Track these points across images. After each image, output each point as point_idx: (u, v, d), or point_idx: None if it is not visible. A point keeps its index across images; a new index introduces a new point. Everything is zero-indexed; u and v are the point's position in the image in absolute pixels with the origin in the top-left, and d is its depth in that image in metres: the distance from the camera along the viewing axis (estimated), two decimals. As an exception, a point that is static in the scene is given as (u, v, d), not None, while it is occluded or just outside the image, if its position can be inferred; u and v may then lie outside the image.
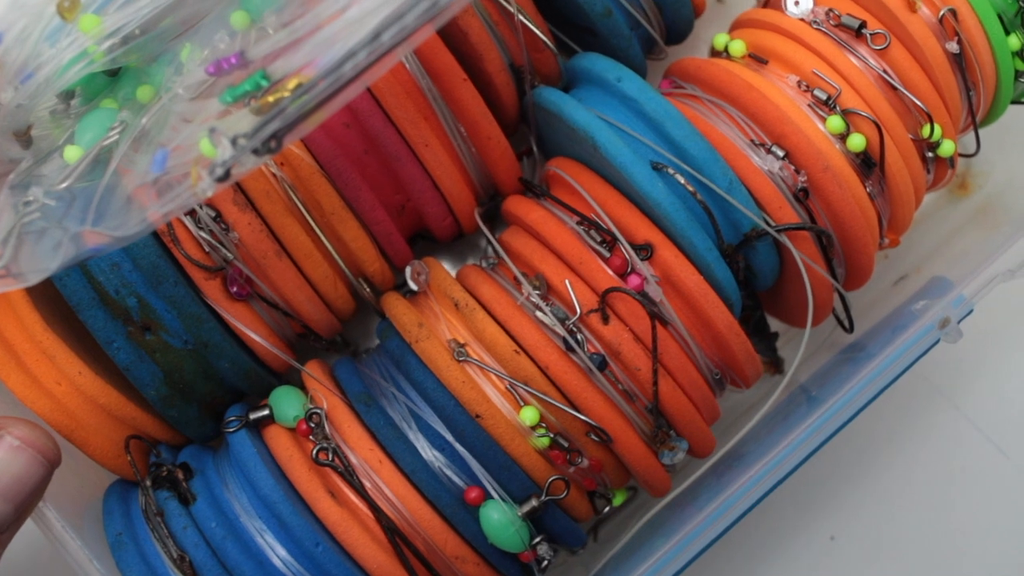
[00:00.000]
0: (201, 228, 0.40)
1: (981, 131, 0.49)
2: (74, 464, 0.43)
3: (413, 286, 0.44)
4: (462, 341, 0.42)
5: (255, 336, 0.42)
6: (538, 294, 0.42)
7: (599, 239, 0.42)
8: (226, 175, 0.30)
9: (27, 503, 0.37)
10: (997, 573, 0.55)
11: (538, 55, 0.46)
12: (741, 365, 0.43)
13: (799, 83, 0.44)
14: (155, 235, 0.40)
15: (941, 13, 0.44)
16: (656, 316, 0.41)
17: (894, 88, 0.44)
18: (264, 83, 0.30)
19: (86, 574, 0.39)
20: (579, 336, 0.41)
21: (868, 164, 0.44)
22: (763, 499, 0.42)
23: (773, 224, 0.43)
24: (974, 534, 0.55)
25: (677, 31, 0.50)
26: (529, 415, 0.41)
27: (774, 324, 0.53)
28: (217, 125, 0.30)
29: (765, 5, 0.48)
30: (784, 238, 0.43)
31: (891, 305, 0.50)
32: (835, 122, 0.43)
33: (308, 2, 0.32)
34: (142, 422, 0.42)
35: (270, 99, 0.29)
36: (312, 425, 0.41)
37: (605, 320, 0.41)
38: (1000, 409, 0.57)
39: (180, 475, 0.41)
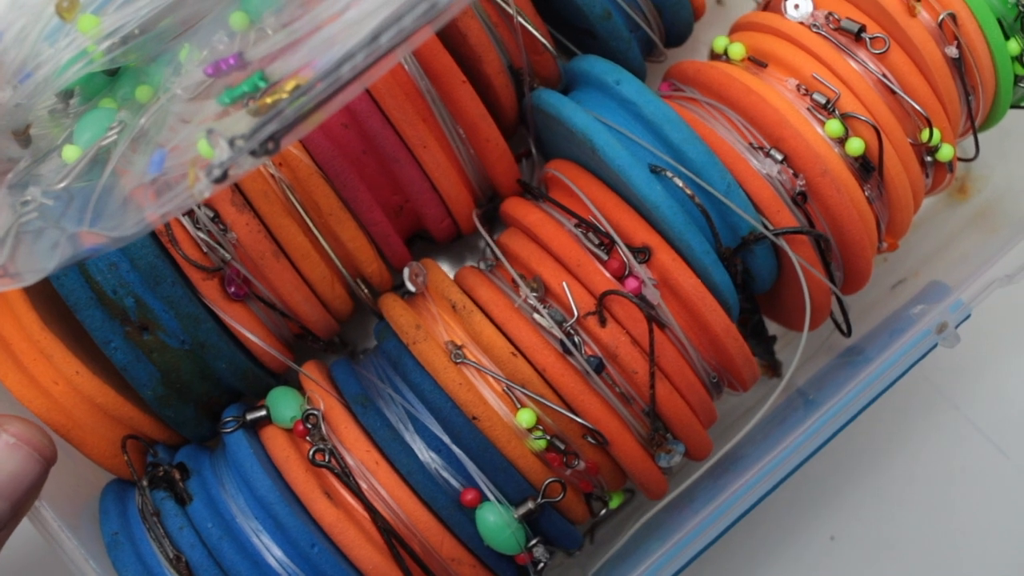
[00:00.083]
0: (199, 228, 0.40)
1: (980, 135, 0.49)
2: (71, 463, 0.43)
3: (411, 287, 0.44)
4: (459, 343, 0.42)
5: (252, 336, 0.42)
6: (536, 296, 0.42)
7: (597, 242, 0.42)
8: (223, 176, 0.30)
9: (24, 501, 0.37)
10: (997, 573, 0.55)
11: (537, 57, 0.46)
12: (738, 368, 0.43)
13: (798, 87, 0.44)
14: (153, 235, 0.40)
15: (941, 17, 0.44)
16: (653, 319, 0.41)
17: (893, 92, 0.44)
18: (262, 84, 0.30)
19: (82, 574, 0.39)
20: (576, 338, 0.41)
21: (867, 168, 0.44)
22: (759, 502, 0.42)
23: (771, 228, 0.43)
24: (974, 534, 0.55)
25: (676, 34, 0.50)
26: (526, 417, 0.41)
27: (772, 327, 0.53)
28: (215, 126, 0.30)
29: (765, 8, 0.48)
30: (782, 242, 0.43)
31: (889, 309, 0.50)
32: (834, 126, 0.43)
33: (307, 3, 0.32)
34: (139, 422, 0.42)
35: (268, 100, 0.29)
36: (309, 426, 0.41)
37: (602, 323, 0.41)
38: (1000, 409, 0.57)
39: (177, 475, 0.41)
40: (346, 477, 0.40)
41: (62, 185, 0.35)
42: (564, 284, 0.41)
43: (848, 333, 0.49)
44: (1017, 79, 0.47)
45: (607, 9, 0.45)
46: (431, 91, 0.42)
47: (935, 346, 0.43)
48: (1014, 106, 0.49)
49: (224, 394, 0.43)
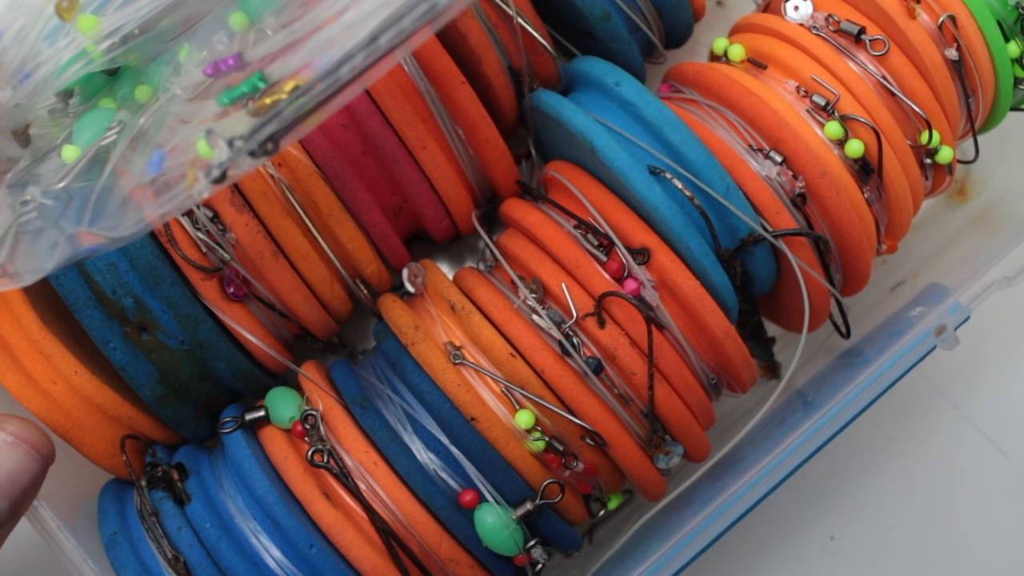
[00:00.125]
0: (198, 229, 0.40)
1: (980, 137, 0.49)
2: (69, 463, 0.43)
3: (410, 288, 0.44)
4: (458, 344, 0.42)
5: (251, 337, 0.42)
6: (534, 297, 0.42)
7: (596, 243, 0.42)
8: (222, 177, 0.30)
9: (22, 499, 0.37)
10: (997, 573, 0.55)
11: (537, 58, 0.46)
12: (737, 370, 0.43)
13: (798, 88, 0.44)
14: (152, 235, 0.40)
15: (940, 20, 0.44)
16: (652, 320, 0.41)
17: (893, 94, 0.44)
18: (261, 85, 0.30)
19: (81, 573, 0.39)
20: (575, 340, 0.41)
21: (866, 170, 0.44)
22: (758, 504, 0.42)
23: (770, 229, 0.43)
24: (974, 534, 0.55)
25: (676, 35, 0.50)
26: (524, 418, 0.41)
27: (771, 329, 0.53)
28: (214, 126, 0.30)
29: (765, 10, 0.48)
30: (781, 244, 0.43)
31: (888, 311, 0.50)
32: (833, 128, 0.43)
33: (307, 4, 0.32)
34: (138, 422, 0.42)
35: (267, 101, 0.29)
36: (307, 426, 0.41)
37: (601, 324, 0.41)
38: (1000, 409, 0.57)
39: (175, 475, 0.41)
40: (344, 478, 0.40)
41: (61, 185, 0.35)
42: (563, 285, 0.41)
43: (847, 335, 0.49)
44: (1017, 81, 0.47)
45: (607, 10, 0.45)
46: (430, 92, 0.42)
47: (934, 348, 0.43)
48: (1014, 108, 0.49)
49: (223, 394, 0.43)
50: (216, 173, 0.29)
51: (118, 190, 0.33)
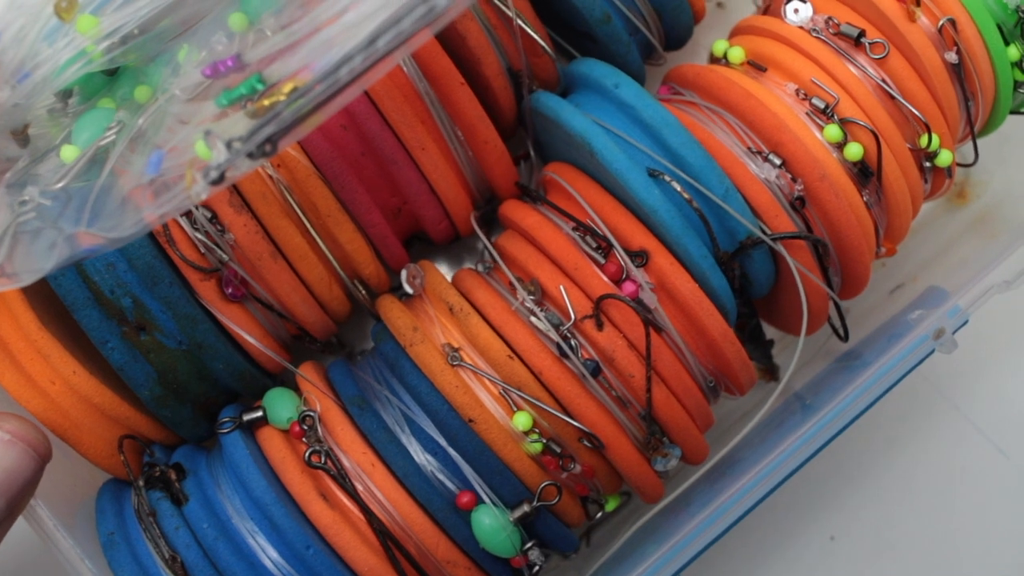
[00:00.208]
0: (197, 229, 0.40)
1: (980, 140, 0.49)
2: (67, 463, 0.43)
3: (408, 289, 0.43)
4: (456, 345, 0.42)
5: (249, 338, 0.42)
6: (533, 299, 0.42)
7: (594, 245, 0.42)
8: (220, 178, 0.30)
9: (19, 498, 0.37)
10: (997, 573, 0.55)
11: (536, 60, 0.46)
12: (735, 373, 0.43)
13: (797, 91, 0.44)
14: (151, 236, 0.40)
15: (940, 23, 0.44)
16: (650, 323, 0.41)
17: (892, 97, 0.44)
18: (260, 86, 0.30)
19: (78, 573, 0.39)
20: (573, 342, 0.41)
21: (865, 173, 0.44)
22: (756, 506, 0.42)
23: (769, 232, 0.43)
24: (974, 534, 0.55)
25: (676, 37, 0.50)
26: (522, 420, 0.41)
27: (770, 331, 0.53)
28: (213, 128, 0.30)
29: (765, 12, 0.48)
30: (780, 247, 0.43)
31: (887, 314, 0.50)
32: (833, 131, 0.43)
33: (307, 5, 0.32)
34: (136, 422, 0.42)
35: (265, 103, 0.29)
36: (305, 427, 0.41)
37: (599, 326, 0.41)
38: (1000, 410, 0.57)
39: (173, 475, 0.41)
40: (342, 479, 0.40)
41: (60, 185, 0.35)
42: (561, 287, 0.41)
43: (845, 338, 0.49)
44: (1017, 85, 0.47)
45: (607, 12, 0.45)
46: (430, 93, 0.42)
47: (932, 352, 0.43)
48: (1013, 112, 0.49)
49: (221, 395, 0.43)
50: (214, 174, 0.29)
51: (117, 190, 0.33)
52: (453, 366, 0.41)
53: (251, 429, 0.42)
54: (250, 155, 0.29)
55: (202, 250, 0.41)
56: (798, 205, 0.43)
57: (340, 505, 0.40)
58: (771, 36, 0.45)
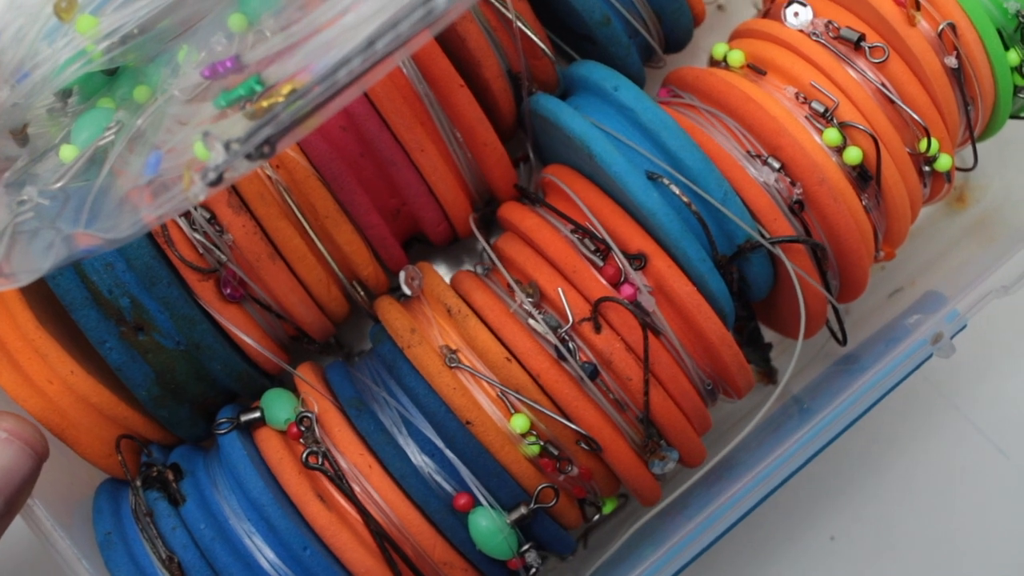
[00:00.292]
0: (195, 230, 0.40)
1: (979, 145, 0.49)
2: (65, 462, 0.43)
3: (407, 291, 0.43)
4: (454, 347, 0.42)
5: (247, 338, 0.42)
6: (531, 302, 0.42)
7: (593, 248, 0.42)
8: (219, 179, 0.30)
9: (16, 497, 0.37)
10: (997, 573, 0.55)
11: (536, 62, 0.46)
12: (733, 376, 0.43)
13: (797, 95, 0.44)
14: (149, 236, 0.40)
15: (940, 27, 0.44)
16: (648, 326, 0.41)
17: (892, 102, 0.44)
18: (258, 88, 0.30)
19: (75, 573, 0.39)
20: (571, 344, 0.41)
21: (864, 177, 0.44)
22: (753, 509, 0.42)
23: (768, 236, 0.43)
24: (974, 534, 0.55)
25: (676, 39, 0.50)
26: (519, 423, 0.41)
27: (768, 335, 0.53)
28: (211, 129, 0.30)
29: (765, 15, 0.48)
30: (778, 250, 0.43)
31: (885, 318, 0.50)
32: (832, 135, 0.43)
33: (306, 6, 0.32)
34: (133, 422, 0.42)
35: (264, 104, 0.29)
36: (303, 428, 0.41)
37: (597, 329, 0.41)
38: (1000, 410, 0.57)
39: (170, 476, 0.41)
40: (339, 480, 0.40)
41: (59, 185, 0.35)
42: (559, 290, 0.41)
43: (843, 342, 0.49)
44: (1016, 89, 0.47)
45: (606, 15, 0.45)
46: (429, 95, 0.42)
47: (930, 356, 0.43)
48: (1013, 116, 0.49)
49: (219, 395, 0.43)
50: (212, 176, 0.29)
51: (115, 191, 0.33)
52: (451, 368, 0.41)
53: (249, 430, 0.42)
54: (248, 156, 0.29)
55: (200, 251, 0.41)
56: (797, 209, 0.43)
57: (337, 506, 0.40)
58: (771, 39, 0.45)
